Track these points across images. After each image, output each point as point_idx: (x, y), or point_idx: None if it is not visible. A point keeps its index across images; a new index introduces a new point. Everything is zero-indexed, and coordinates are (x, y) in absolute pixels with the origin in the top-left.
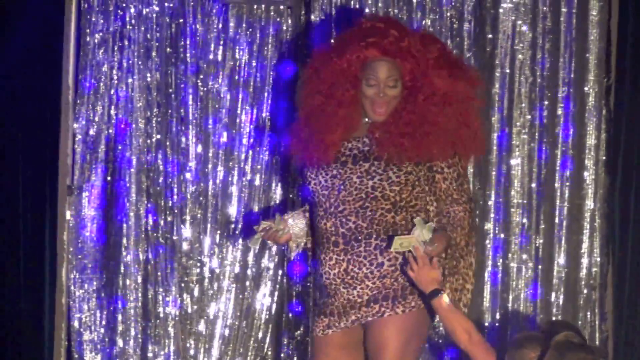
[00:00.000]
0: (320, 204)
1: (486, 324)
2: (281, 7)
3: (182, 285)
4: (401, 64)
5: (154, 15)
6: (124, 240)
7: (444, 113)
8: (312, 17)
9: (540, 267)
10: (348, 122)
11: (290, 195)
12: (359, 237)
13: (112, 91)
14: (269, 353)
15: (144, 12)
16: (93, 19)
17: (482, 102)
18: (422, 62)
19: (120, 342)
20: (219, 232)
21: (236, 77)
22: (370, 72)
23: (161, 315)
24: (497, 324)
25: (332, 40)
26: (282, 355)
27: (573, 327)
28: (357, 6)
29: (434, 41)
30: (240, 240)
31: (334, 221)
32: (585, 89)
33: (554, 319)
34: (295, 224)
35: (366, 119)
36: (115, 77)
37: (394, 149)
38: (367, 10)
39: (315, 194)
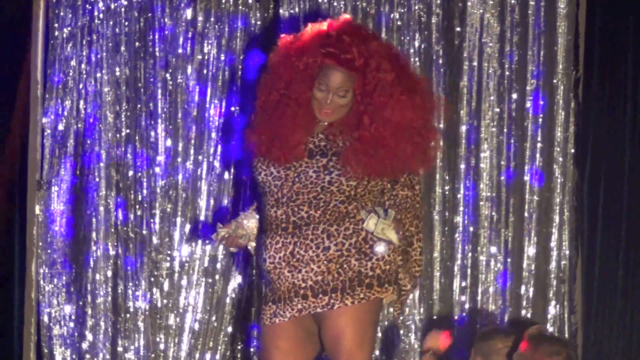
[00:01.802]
0: (271, 194)
1: (455, 317)
2: (249, 0)
3: (152, 279)
4: (354, 76)
5: (123, 9)
6: (94, 235)
7: (395, 138)
8: (281, 10)
9: (509, 260)
10: (308, 121)
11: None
12: (309, 223)
13: (81, 86)
14: (239, 347)
15: (113, 7)
16: (61, 14)
17: (435, 131)
18: (372, 84)
19: (90, 337)
20: (188, 226)
21: (205, 71)
22: (323, 78)
23: (131, 309)
24: (466, 318)
25: (295, 36)
26: (251, 349)
27: (538, 324)
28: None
29: (393, 66)
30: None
31: (285, 209)
32: (554, 82)
33: (523, 314)
34: (251, 224)
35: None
36: (84, 72)
37: (357, 166)
38: (335, 3)
39: (265, 184)
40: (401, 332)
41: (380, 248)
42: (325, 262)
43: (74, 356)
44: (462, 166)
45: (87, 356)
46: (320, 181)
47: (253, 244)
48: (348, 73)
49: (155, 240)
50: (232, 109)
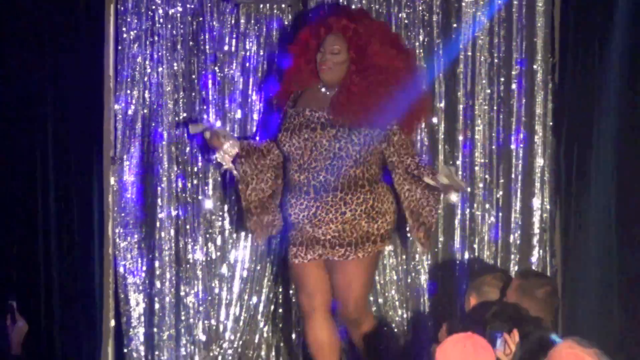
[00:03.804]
0: (294, 160)
1: (457, 262)
2: (282, 5)
3: (207, 236)
4: (348, 40)
5: (178, 15)
6: (159, 201)
7: (385, 85)
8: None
9: (500, 214)
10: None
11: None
12: (328, 189)
13: (146, 78)
14: (280, 289)
15: (170, 13)
16: (128, 19)
17: (420, 76)
18: (364, 38)
19: (158, 284)
20: (235, 192)
21: (247, 65)
22: (322, 44)
23: (190, 261)
24: (465, 262)
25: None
26: (290, 291)
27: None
28: (345, 2)
29: (379, 26)
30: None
31: (306, 175)
32: (535, 67)
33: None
34: (228, 150)
35: (325, 92)
36: (148, 67)
37: (347, 116)
38: (353, 6)
39: (289, 154)
40: (413, 274)
41: (453, 197)
42: (341, 223)
43: (145, 299)
44: (460, 138)
45: (156, 299)
46: (332, 148)
47: (223, 159)
48: (341, 36)
49: (209, 204)
50: (271, 95)
